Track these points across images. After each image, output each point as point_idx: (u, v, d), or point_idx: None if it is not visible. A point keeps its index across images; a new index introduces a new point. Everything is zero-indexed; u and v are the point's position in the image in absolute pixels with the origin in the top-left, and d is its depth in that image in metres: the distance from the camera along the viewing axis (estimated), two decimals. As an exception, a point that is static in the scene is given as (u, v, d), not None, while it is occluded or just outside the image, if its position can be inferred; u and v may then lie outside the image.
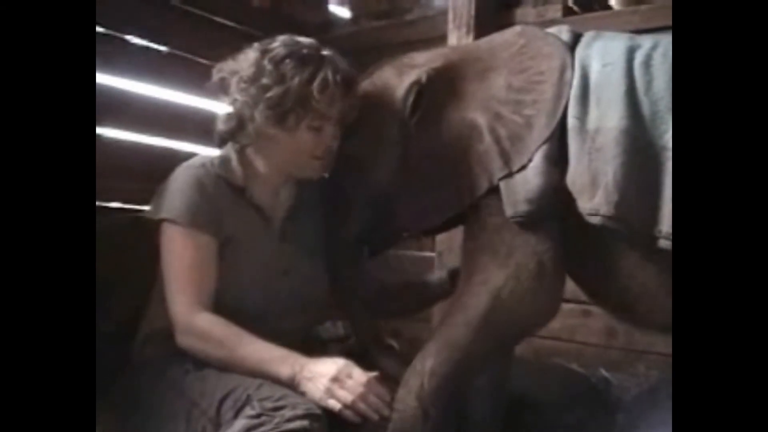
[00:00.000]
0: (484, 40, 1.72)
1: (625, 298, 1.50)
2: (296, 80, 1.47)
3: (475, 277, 1.50)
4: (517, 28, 1.65)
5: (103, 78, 2.16)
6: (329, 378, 1.31)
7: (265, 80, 1.48)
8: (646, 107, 1.39)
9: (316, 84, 1.47)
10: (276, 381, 1.35)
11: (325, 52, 1.54)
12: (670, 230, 1.32)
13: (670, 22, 2.01)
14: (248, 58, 1.52)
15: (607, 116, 1.40)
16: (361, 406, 1.31)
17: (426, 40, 2.55)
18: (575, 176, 1.42)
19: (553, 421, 1.86)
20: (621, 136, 1.37)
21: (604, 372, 2.18)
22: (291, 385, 1.34)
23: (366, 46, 2.70)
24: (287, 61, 1.48)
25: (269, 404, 1.27)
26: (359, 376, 1.33)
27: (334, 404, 1.30)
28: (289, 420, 1.24)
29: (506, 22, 2.39)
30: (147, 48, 2.37)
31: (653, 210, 1.35)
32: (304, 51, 1.51)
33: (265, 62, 1.49)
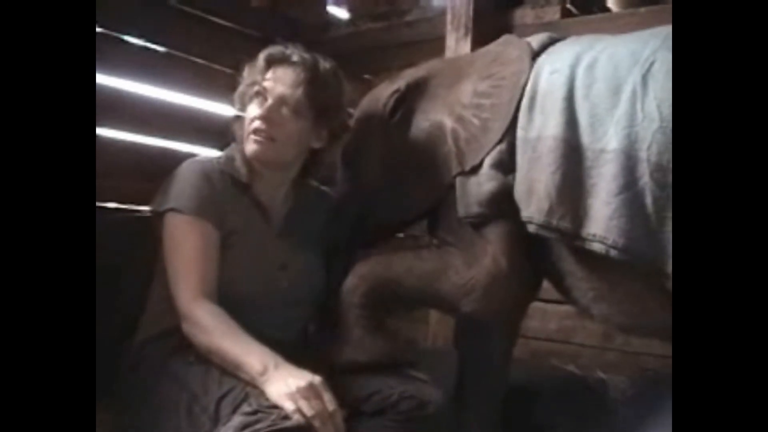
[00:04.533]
0: (472, 53, 1.83)
1: (582, 301, 1.54)
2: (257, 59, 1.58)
3: (440, 248, 1.64)
4: (502, 39, 1.71)
5: (101, 78, 2.15)
6: (300, 387, 1.27)
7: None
8: (583, 112, 1.40)
9: (264, 53, 1.57)
10: (246, 373, 1.33)
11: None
12: (604, 233, 1.34)
13: (668, 24, 2.02)
14: None
15: (547, 124, 1.43)
16: (317, 424, 1.25)
17: (424, 42, 2.56)
18: (517, 185, 1.48)
19: (549, 423, 1.86)
20: (555, 143, 1.40)
21: (600, 374, 2.18)
22: (259, 379, 1.31)
23: (364, 47, 2.71)
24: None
25: (266, 401, 1.27)
26: (329, 402, 1.29)
27: (290, 405, 1.25)
28: (286, 417, 1.24)
29: (504, 24, 2.40)
30: (145, 48, 2.37)
31: (587, 213, 1.37)
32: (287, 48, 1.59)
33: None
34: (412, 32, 2.75)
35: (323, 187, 1.82)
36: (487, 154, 1.50)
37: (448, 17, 2.50)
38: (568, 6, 2.45)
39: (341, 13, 3.20)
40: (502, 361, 1.76)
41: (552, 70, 1.48)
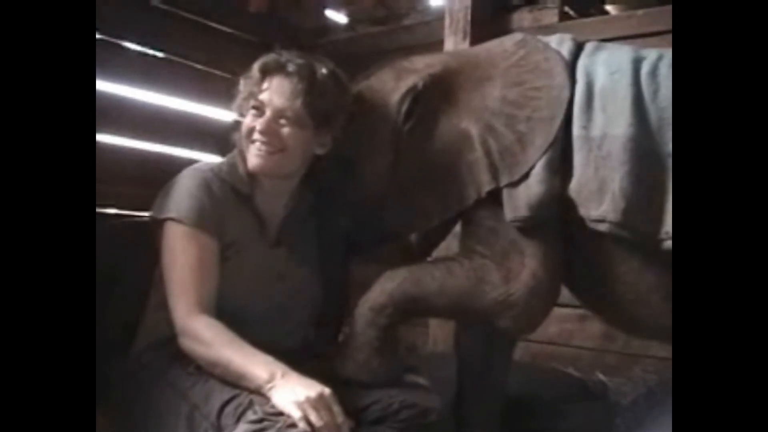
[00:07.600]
0: (484, 47, 1.72)
1: (618, 305, 1.52)
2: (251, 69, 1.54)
3: (472, 261, 1.54)
4: (517, 36, 1.65)
5: (100, 84, 2.15)
6: (310, 397, 1.26)
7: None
8: (652, 115, 1.41)
9: (258, 63, 1.53)
10: (252, 383, 1.32)
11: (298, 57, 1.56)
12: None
13: (666, 27, 2.03)
14: None
15: (614, 123, 1.42)
16: None
17: (422, 46, 2.55)
18: (581, 184, 1.43)
19: (550, 426, 1.86)
20: (628, 143, 1.39)
21: (601, 376, 2.19)
22: (265, 387, 1.30)
23: (362, 51, 2.72)
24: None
25: (271, 409, 1.26)
26: (338, 414, 1.27)
27: (297, 413, 1.23)
28: (292, 425, 1.22)
29: (502, 28, 2.40)
30: (143, 53, 2.37)
31: (659, 214, 1.37)
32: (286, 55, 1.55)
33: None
34: (410, 36, 2.75)
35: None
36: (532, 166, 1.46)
37: (447, 21, 2.51)
38: (566, 9, 2.46)
39: (339, 17, 3.20)
40: (502, 365, 1.76)
41: (611, 71, 1.47)
